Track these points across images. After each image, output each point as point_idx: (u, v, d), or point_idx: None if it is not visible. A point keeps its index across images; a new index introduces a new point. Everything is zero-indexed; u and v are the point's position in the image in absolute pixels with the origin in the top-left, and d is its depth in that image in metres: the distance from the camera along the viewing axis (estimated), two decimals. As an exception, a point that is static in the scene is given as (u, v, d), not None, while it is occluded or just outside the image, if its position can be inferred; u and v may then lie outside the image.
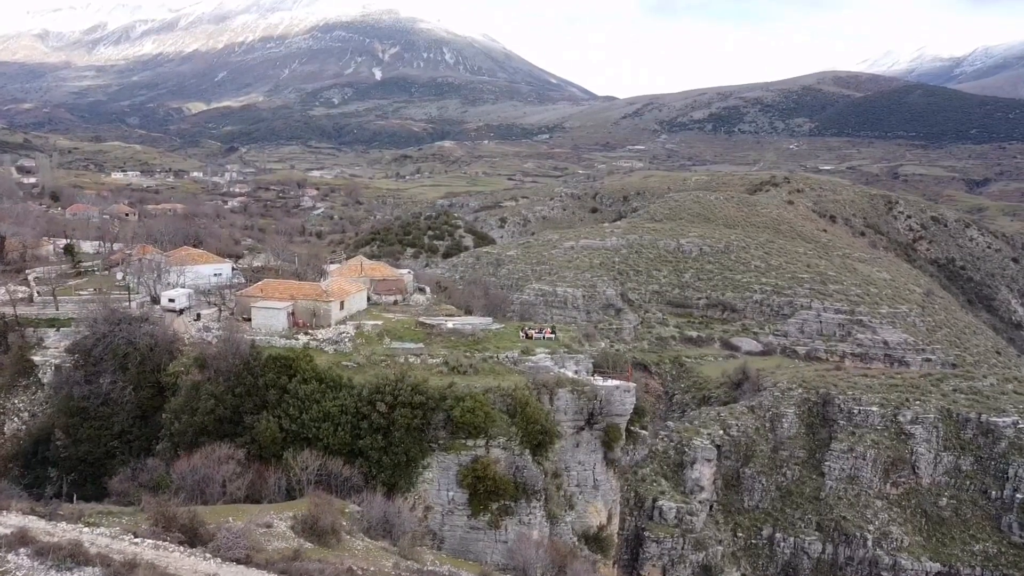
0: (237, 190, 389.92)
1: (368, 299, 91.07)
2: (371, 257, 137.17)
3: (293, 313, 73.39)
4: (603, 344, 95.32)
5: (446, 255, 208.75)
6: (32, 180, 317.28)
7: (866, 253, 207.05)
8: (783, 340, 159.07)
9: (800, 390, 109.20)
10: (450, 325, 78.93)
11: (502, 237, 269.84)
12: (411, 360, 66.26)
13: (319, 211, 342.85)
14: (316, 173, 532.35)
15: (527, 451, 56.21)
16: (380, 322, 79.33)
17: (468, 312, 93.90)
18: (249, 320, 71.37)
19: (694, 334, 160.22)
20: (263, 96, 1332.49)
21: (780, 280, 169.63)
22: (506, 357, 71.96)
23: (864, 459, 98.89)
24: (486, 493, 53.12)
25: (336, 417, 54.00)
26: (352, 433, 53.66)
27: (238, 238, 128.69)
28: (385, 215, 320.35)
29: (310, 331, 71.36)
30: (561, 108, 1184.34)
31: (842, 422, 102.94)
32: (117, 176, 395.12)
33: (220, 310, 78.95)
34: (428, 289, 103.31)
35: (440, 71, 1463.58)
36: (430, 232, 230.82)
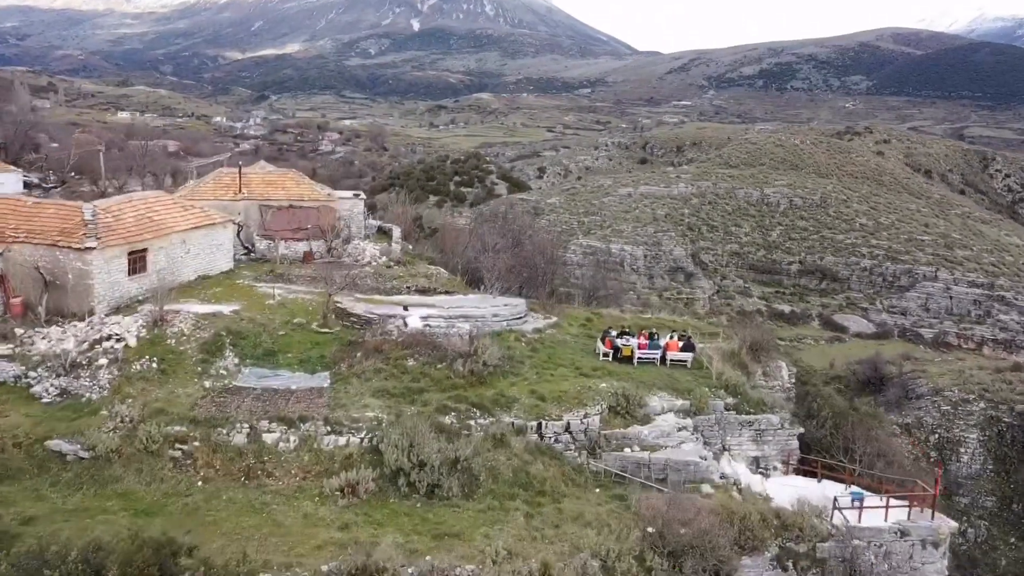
0: (253, 132, 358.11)
1: (249, 248, 50.92)
2: (381, 209, 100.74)
3: (2, 279, 36.51)
4: (788, 368, 46.95)
5: (474, 204, 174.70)
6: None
7: (987, 213, 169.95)
8: (901, 319, 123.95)
9: (982, 403, 73.84)
10: (414, 320, 37.75)
11: (540, 188, 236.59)
12: (270, 441, 29.24)
13: (338, 155, 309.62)
14: (347, 122, 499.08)
15: None
16: (237, 307, 39.19)
17: (476, 283, 52.27)
18: None
19: (786, 308, 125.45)
20: (299, 45, 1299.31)
21: (894, 243, 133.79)
22: (557, 436, 32.36)
23: (1100, 518, 64.03)
24: None
25: None
26: None
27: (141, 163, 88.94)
28: (411, 161, 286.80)
29: (33, 329, 33.99)
30: (603, 62, 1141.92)
31: (1058, 456, 67.90)
32: (123, 116, 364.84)
33: None
34: (397, 231, 60.86)
35: (479, 23, 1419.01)
36: (457, 177, 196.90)
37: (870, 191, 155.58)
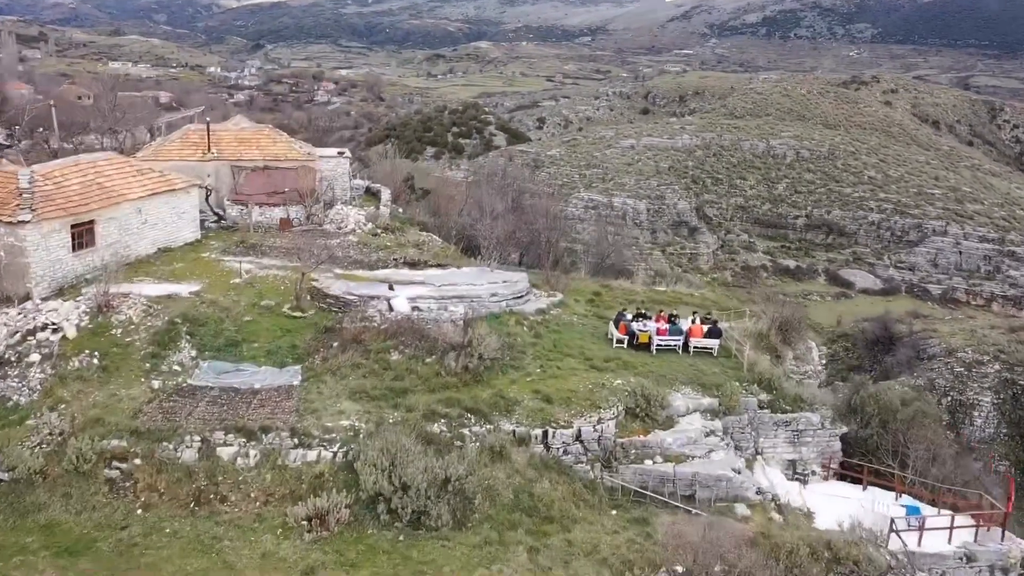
0: (247, 83, 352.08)
1: (219, 214, 45.95)
2: (375, 162, 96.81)
3: None
4: (818, 348, 46.11)
5: (473, 156, 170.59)
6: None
7: (996, 165, 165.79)
8: (909, 275, 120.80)
9: (997, 364, 70.80)
10: (400, 302, 33.13)
11: (540, 140, 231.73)
12: (226, 457, 25.15)
13: (334, 106, 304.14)
14: (343, 72, 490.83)
15: None
16: (197, 287, 34.28)
17: (472, 251, 47.83)
18: None
19: (791, 263, 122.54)
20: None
21: (903, 196, 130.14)
22: (566, 447, 27.53)
23: (1118, 486, 61.14)
24: None
25: None
26: None
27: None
28: (408, 112, 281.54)
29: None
30: (604, 10, 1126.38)
31: (1075, 422, 65.05)
32: (115, 65, 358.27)
33: None
34: (386, 193, 55.83)
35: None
36: (455, 128, 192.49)
37: (879, 143, 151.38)
